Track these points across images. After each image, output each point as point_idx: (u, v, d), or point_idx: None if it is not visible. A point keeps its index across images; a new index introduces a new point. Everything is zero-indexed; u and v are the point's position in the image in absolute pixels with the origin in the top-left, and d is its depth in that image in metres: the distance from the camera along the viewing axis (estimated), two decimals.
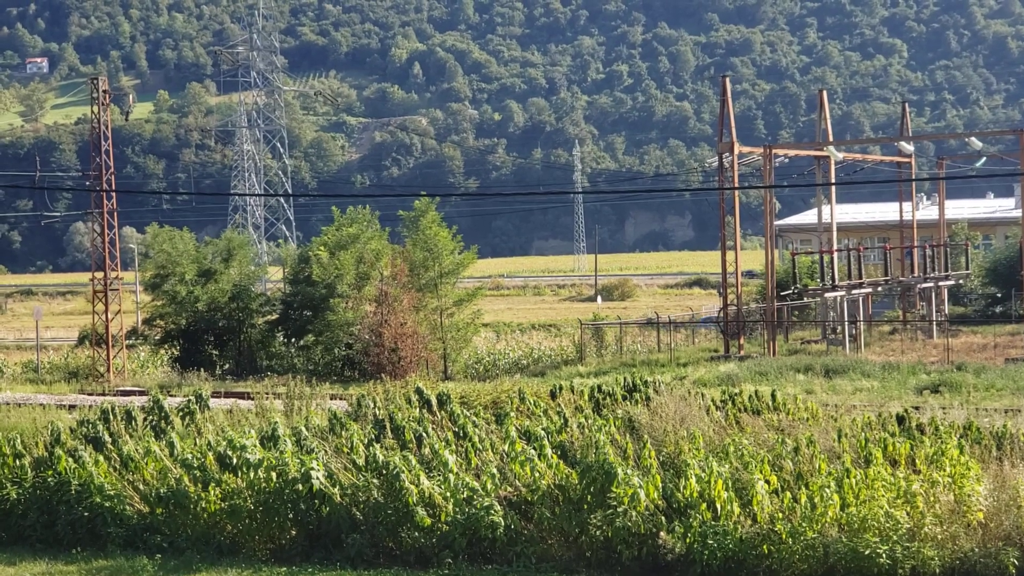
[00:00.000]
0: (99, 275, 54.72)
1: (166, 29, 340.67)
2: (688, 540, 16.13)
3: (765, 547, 16.01)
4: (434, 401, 22.02)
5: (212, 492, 18.20)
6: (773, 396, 23.80)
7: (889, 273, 60.29)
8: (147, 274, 57.84)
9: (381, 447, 18.67)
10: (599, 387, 24.36)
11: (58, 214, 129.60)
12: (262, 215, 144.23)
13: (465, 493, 17.27)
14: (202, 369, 51.35)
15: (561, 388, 24.55)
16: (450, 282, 54.99)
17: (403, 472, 17.35)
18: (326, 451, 18.76)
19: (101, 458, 19.39)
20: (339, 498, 17.66)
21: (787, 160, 63.14)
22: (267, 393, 26.06)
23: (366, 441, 19.05)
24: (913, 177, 66.44)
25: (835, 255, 54.42)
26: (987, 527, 15.87)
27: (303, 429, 19.86)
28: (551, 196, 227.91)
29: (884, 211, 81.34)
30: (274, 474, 17.95)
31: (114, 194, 55.80)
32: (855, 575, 15.67)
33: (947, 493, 16.29)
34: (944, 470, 16.70)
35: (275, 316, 56.43)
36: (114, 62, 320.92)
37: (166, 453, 19.28)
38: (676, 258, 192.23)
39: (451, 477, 17.46)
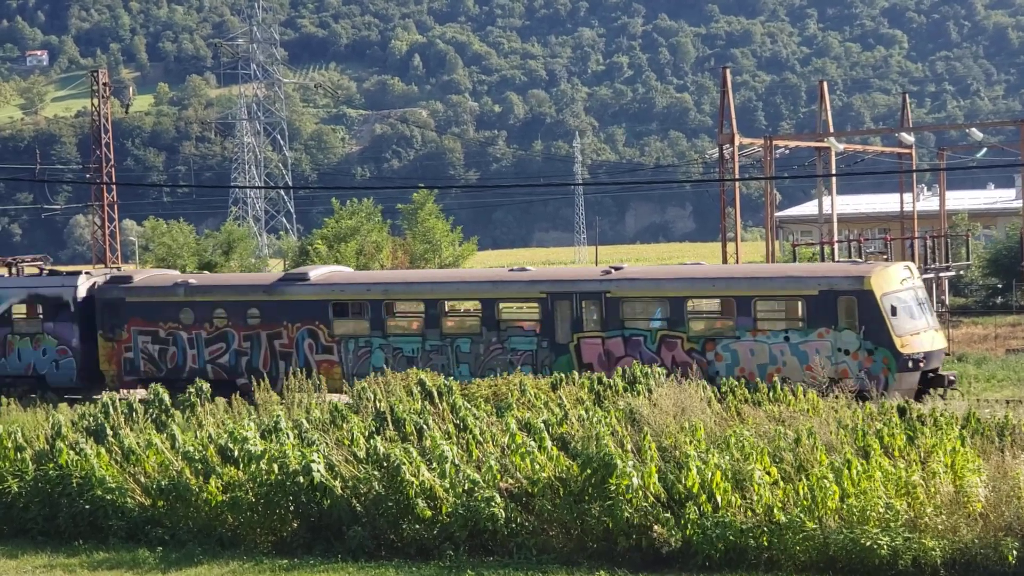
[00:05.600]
0: (100, 267, 54.73)
1: (166, 21, 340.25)
2: (688, 531, 16.16)
3: (765, 538, 16.03)
4: (435, 393, 22.03)
5: (213, 484, 18.22)
6: (773, 387, 23.77)
7: None
8: (147, 267, 57.84)
9: (382, 439, 18.67)
10: (600, 379, 24.33)
11: (58, 207, 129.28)
12: (262, 207, 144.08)
13: (466, 485, 17.28)
14: None
15: (562, 380, 24.54)
16: None
17: (404, 464, 17.36)
18: (327, 443, 18.75)
19: (102, 451, 19.40)
20: (340, 490, 17.68)
21: (788, 151, 63.03)
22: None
23: (367, 433, 19.03)
24: (914, 168, 66.34)
25: (836, 246, 54.37)
26: (987, 518, 15.87)
27: (304, 421, 19.87)
28: (552, 188, 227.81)
29: (885, 202, 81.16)
30: (275, 466, 17.96)
31: (114, 187, 55.82)
32: (856, 566, 15.68)
33: (947, 484, 16.29)
34: (944, 461, 16.71)
35: None
36: (114, 55, 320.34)
37: (167, 446, 19.29)
38: (677, 249, 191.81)
39: (451, 469, 17.47)
